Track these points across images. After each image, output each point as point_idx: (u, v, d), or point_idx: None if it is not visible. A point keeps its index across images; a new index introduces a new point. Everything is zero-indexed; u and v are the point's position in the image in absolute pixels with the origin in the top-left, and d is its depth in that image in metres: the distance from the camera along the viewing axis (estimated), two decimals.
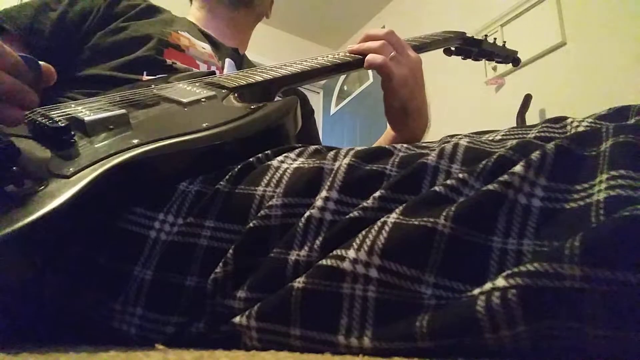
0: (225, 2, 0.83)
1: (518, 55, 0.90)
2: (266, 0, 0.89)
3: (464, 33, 0.82)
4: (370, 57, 0.60)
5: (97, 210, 0.34)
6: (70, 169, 0.32)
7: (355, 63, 0.62)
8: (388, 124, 0.68)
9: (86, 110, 0.41)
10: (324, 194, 0.31)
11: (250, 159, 0.38)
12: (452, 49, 0.83)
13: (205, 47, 0.73)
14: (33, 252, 0.30)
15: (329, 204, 0.31)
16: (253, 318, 0.30)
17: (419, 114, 0.64)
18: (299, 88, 0.85)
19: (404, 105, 0.62)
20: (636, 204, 0.21)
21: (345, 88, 3.28)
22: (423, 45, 0.72)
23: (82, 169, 0.33)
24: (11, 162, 0.30)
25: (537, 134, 0.31)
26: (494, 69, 2.06)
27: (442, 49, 0.81)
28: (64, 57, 0.62)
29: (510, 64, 0.91)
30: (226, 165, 0.38)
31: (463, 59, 0.85)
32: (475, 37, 0.85)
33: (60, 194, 0.30)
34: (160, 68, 0.63)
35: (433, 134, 0.70)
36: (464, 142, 0.31)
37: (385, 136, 0.72)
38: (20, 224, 0.28)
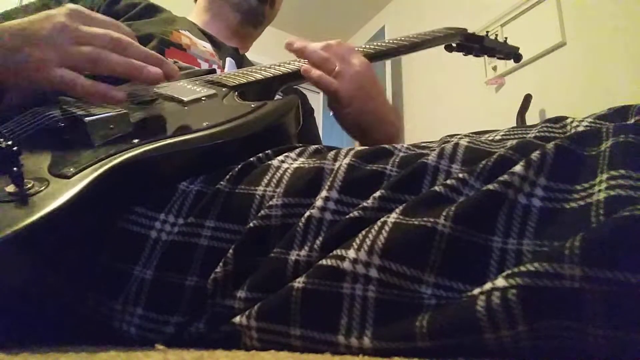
0: (237, 17, 0.83)
1: (520, 52, 0.90)
2: (272, 17, 0.90)
3: (465, 29, 0.82)
4: (304, 68, 0.56)
5: (97, 211, 0.34)
6: (71, 170, 0.32)
7: None
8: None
9: (87, 110, 0.41)
10: (324, 194, 0.31)
11: (251, 159, 0.38)
12: (453, 45, 0.83)
13: (206, 46, 0.73)
14: (34, 252, 0.30)
15: (329, 204, 0.31)
16: (253, 318, 0.30)
17: (376, 124, 0.59)
18: (298, 87, 0.85)
19: (355, 122, 0.58)
20: (636, 204, 0.21)
21: None
22: (424, 42, 0.71)
23: (83, 169, 0.33)
24: (12, 163, 0.30)
25: (537, 134, 0.31)
26: (494, 68, 2.06)
27: (443, 46, 0.81)
28: None
29: (512, 61, 0.91)
30: (227, 165, 0.38)
31: (464, 55, 0.85)
32: (476, 33, 0.85)
33: (60, 195, 0.30)
34: None
35: (433, 134, 0.70)
36: (464, 142, 0.31)
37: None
38: (21, 224, 0.28)
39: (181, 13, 0.83)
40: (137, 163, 0.35)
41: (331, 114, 0.59)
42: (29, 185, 0.31)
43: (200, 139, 0.39)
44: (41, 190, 0.31)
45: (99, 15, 0.43)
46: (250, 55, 0.91)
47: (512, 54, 0.89)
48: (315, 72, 0.56)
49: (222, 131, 0.41)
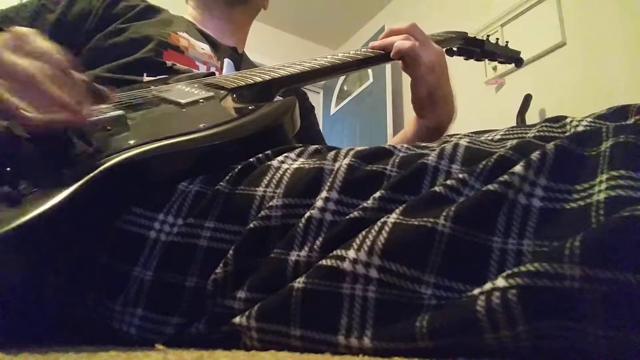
0: (220, 2, 0.82)
1: (521, 56, 0.90)
2: None
3: (466, 33, 0.82)
4: (398, 44, 0.61)
5: (94, 211, 0.34)
6: (67, 170, 0.32)
7: (377, 57, 0.64)
8: (413, 111, 0.69)
9: None
10: (324, 194, 0.31)
11: (251, 159, 0.38)
12: (454, 49, 0.83)
13: (204, 48, 0.73)
14: (30, 251, 0.30)
15: (329, 204, 0.31)
16: (253, 318, 0.30)
17: (445, 101, 0.65)
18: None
19: (431, 92, 0.63)
20: (636, 204, 0.21)
21: (345, 88, 3.27)
22: None
23: (78, 170, 0.33)
24: (6, 163, 0.30)
25: (537, 134, 0.31)
26: (494, 68, 2.05)
27: (444, 50, 0.81)
28: None
29: (513, 65, 0.91)
30: (225, 166, 0.38)
31: (465, 59, 0.85)
32: (477, 37, 0.84)
33: (55, 195, 0.30)
34: (160, 70, 0.63)
35: None
36: (463, 142, 0.31)
37: (410, 125, 0.72)
38: (16, 223, 0.28)
39: (179, 12, 0.83)
40: (133, 164, 0.35)
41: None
42: (23, 186, 0.31)
43: (196, 140, 0.39)
44: (36, 190, 0.31)
45: (40, 44, 0.36)
46: (250, 55, 0.91)
47: (513, 58, 0.89)
48: (404, 42, 0.62)
49: (218, 132, 0.41)
